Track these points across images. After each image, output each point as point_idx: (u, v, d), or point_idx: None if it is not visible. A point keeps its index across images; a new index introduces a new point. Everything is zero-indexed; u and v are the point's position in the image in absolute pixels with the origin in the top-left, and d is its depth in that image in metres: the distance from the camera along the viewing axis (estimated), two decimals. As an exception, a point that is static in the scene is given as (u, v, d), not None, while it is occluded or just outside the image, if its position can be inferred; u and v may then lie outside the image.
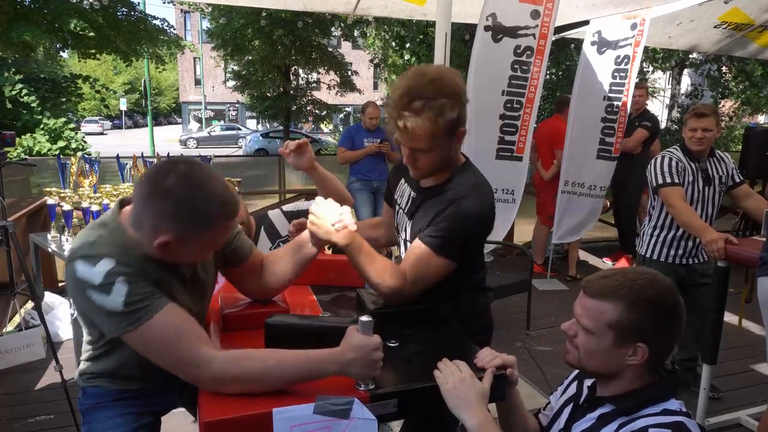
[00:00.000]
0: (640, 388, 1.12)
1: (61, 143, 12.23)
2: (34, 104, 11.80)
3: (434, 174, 1.51)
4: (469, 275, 1.58)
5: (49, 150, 11.85)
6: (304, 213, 1.95)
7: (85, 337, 1.34)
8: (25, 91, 11.71)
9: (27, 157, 10.28)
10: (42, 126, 12.09)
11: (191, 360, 1.12)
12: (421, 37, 14.36)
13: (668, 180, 2.78)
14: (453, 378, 1.15)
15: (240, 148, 24.76)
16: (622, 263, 5.35)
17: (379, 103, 6.04)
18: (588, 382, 1.24)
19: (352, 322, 1.20)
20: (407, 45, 14.55)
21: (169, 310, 1.14)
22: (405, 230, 1.64)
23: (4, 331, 3.22)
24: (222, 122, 34.60)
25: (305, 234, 1.46)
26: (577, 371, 1.29)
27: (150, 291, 1.13)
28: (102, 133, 33.17)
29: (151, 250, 1.16)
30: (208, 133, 28.17)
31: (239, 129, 29.48)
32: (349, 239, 1.39)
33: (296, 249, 1.48)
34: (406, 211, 1.62)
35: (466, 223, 1.42)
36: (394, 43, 15.14)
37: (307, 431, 1.07)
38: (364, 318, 1.13)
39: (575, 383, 1.29)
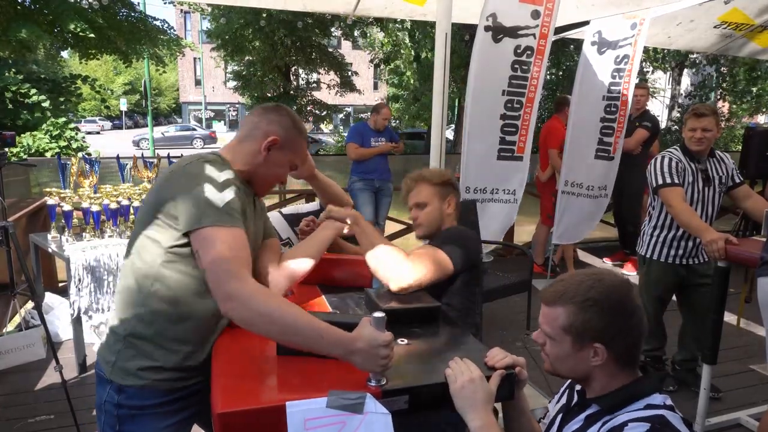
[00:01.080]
0: (622, 387, 1.13)
1: (62, 143, 12.22)
2: (45, 104, 11.75)
3: (431, 232, 1.93)
4: (461, 310, 1.80)
5: (49, 148, 11.83)
6: (304, 215, 1.99)
7: (149, 293, 1.29)
8: (34, 91, 11.67)
9: (27, 157, 10.28)
10: (48, 124, 12.06)
11: (239, 273, 1.19)
12: (421, 34, 14.38)
13: (668, 180, 2.78)
14: (462, 378, 1.15)
15: (195, 148, 24.57)
16: (629, 267, 5.34)
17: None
18: (578, 387, 1.25)
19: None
20: (424, 42, 14.53)
21: (244, 235, 1.29)
22: None
23: (4, 331, 3.23)
24: (222, 122, 34.58)
25: (323, 224, 1.69)
26: (570, 380, 1.31)
27: (242, 210, 1.32)
28: (98, 133, 33.02)
29: (253, 160, 1.43)
30: (162, 134, 27.56)
31: (194, 129, 29.23)
32: (358, 214, 1.71)
33: (313, 234, 1.64)
34: None
35: (457, 237, 1.82)
36: (407, 40, 15.11)
37: (321, 425, 1.07)
38: (377, 314, 1.15)
39: (568, 391, 1.31)
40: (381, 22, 15.12)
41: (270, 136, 1.43)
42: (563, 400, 1.30)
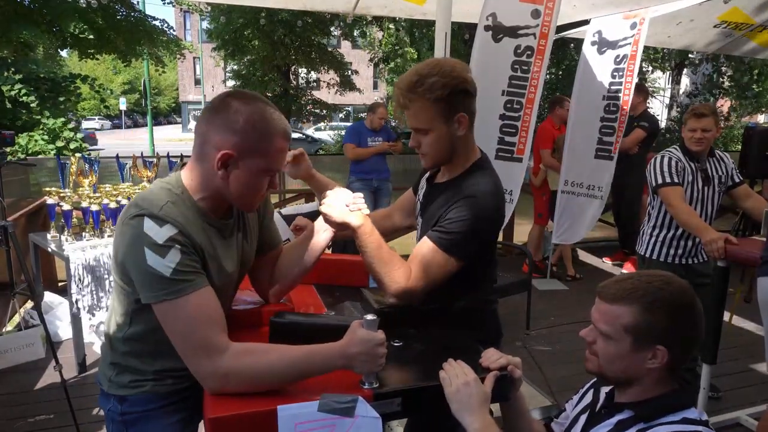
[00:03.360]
0: (660, 395, 1.12)
1: (60, 143, 12.17)
2: (33, 104, 11.71)
3: (441, 162, 1.54)
4: (477, 277, 1.57)
5: (45, 150, 11.81)
6: (304, 216, 1.94)
7: (127, 336, 1.25)
8: (24, 91, 11.63)
9: (24, 156, 10.27)
10: (41, 126, 12.03)
11: (206, 347, 1.12)
12: (420, 34, 14.36)
13: (668, 180, 2.79)
14: (457, 381, 1.15)
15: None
16: (629, 267, 5.34)
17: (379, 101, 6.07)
18: (605, 389, 1.23)
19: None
20: (422, 43, 14.51)
21: (206, 291, 1.16)
22: (418, 225, 1.66)
23: (3, 330, 3.22)
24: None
25: (316, 224, 1.49)
26: (593, 380, 1.29)
27: (197, 267, 1.16)
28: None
29: (212, 183, 1.20)
30: None
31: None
32: (362, 220, 1.40)
33: (306, 239, 1.49)
34: (419, 207, 1.66)
35: (474, 224, 1.42)
36: (407, 38, 15.09)
37: (311, 429, 1.07)
38: (369, 317, 1.14)
39: (591, 391, 1.28)
40: (379, 22, 15.11)
41: (220, 150, 1.16)
42: (586, 399, 1.28)
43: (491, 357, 1.25)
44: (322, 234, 1.47)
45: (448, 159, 1.52)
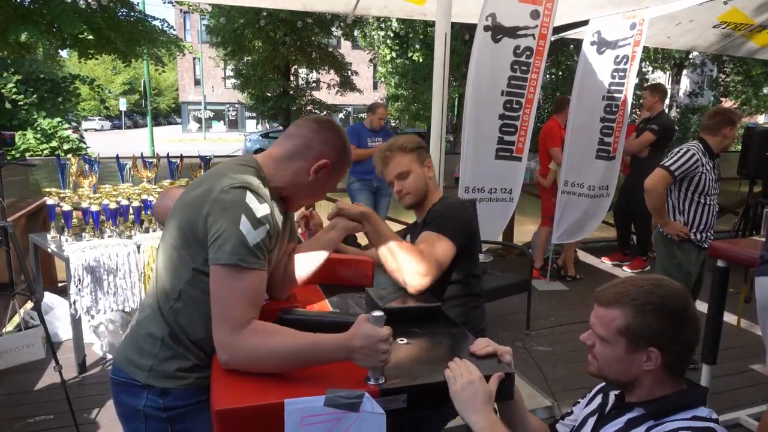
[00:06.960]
0: (671, 394, 1.13)
1: (54, 143, 12.12)
2: (21, 102, 11.72)
3: (419, 198, 1.90)
4: (464, 284, 1.83)
5: (36, 150, 11.77)
6: None
7: (183, 296, 1.26)
8: (14, 90, 11.62)
9: (16, 154, 10.26)
10: (35, 126, 12.01)
11: (236, 321, 1.17)
12: (422, 36, 14.34)
13: (672, 167, 2.95)
14: (462, 379, 1.16)
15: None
16: (635, 265, 5.32)
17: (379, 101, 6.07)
18: (615, 392, 1.24)
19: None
20: (411, 44, 14.50)
21: (265, 277, 1.24)
22: None
23: (3, 331, 3.22)
24: (222, 121, 34.54)
25: (328, 220, 1.64)
26: (601, 384, 1.30)
27: (268, 252, 1.25)
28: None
29: (296, 178, 1.37)
30: None
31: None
32: (371, 210, 1.67)
33: (320, 234, 1.60)
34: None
35: (451, 211, 1.80)
36: (389, 41, 15.10)
37: (316, 423, 1.09)
38: (376, 313, 1.15)
39: (600, 395, 1.29)
40: (378, 22, 15.10)
41: (322, 159, 1.36)
42: (595, 403, 1.29)
43: (479, 344, 1.31)
44: (334, 230, 1.56)
45: (423, 196, 1.90)
